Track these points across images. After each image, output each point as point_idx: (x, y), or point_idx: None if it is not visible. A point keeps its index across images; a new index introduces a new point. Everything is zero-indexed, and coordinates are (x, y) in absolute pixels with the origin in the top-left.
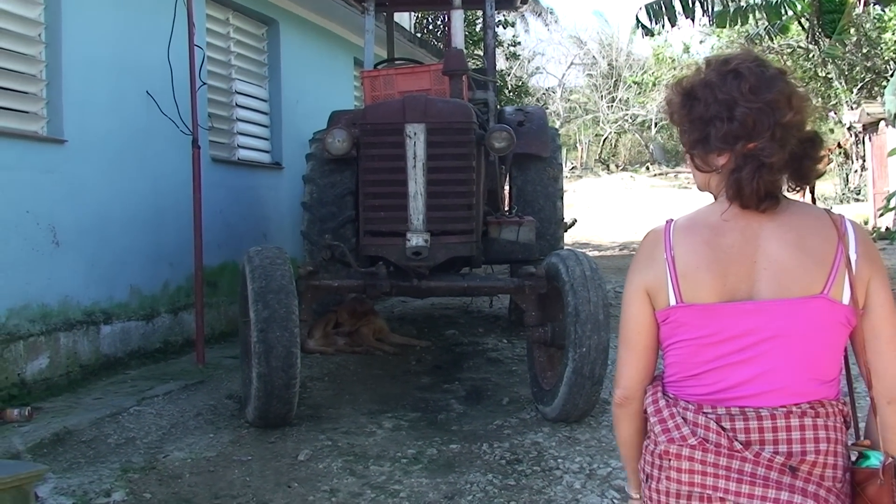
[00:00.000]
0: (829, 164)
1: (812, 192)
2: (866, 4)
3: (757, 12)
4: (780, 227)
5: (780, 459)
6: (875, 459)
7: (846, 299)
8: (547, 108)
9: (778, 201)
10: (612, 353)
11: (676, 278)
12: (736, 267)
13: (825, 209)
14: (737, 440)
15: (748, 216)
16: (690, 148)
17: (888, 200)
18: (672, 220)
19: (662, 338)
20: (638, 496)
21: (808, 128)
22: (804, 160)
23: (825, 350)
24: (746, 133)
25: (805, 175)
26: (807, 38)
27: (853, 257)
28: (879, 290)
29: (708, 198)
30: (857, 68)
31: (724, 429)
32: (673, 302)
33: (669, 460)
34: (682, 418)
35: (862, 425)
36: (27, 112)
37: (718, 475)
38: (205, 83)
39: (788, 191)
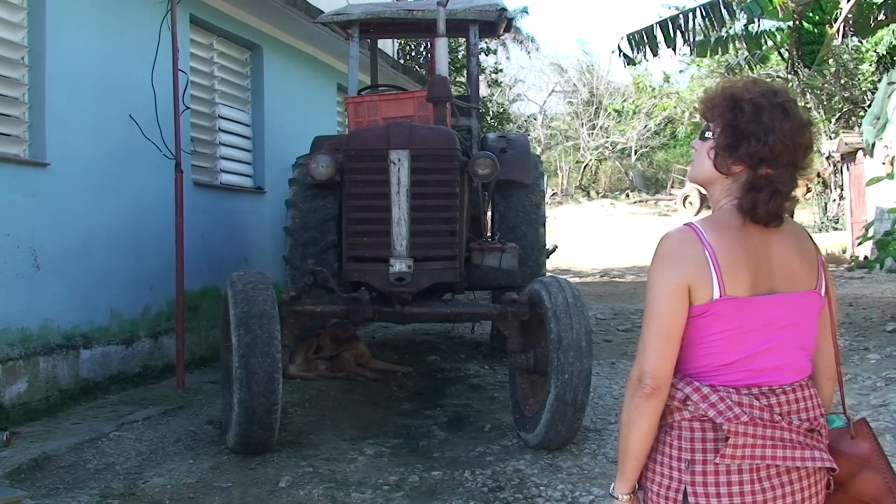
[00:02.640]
0: (808, 192)
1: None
2: (844, 36)
3: (737, 42)
4: (784, 234)
5: (805, 425)
6: (840, 421)
7: (823, 293)
8: (528, 135)
9: (783, 220)
10: (595, 380)
11: (721, 273)
12: (761, 264)
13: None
14: (775, 413)
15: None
16: (718, 147)
17: (866, 230)
18: (692, 223)
19: (693, 330)
20: (628, 497)
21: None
22: None
23: (813, 334)
24: (772, 159)
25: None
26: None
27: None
28: (831, 287)
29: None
30: (836, 98)
31: (763, 405)
32: (717, 295)
33: (727, 439)
34: (731, 401)
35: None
36: (9, 135)
37: (766, 445)
38: (188, 107)
39: None
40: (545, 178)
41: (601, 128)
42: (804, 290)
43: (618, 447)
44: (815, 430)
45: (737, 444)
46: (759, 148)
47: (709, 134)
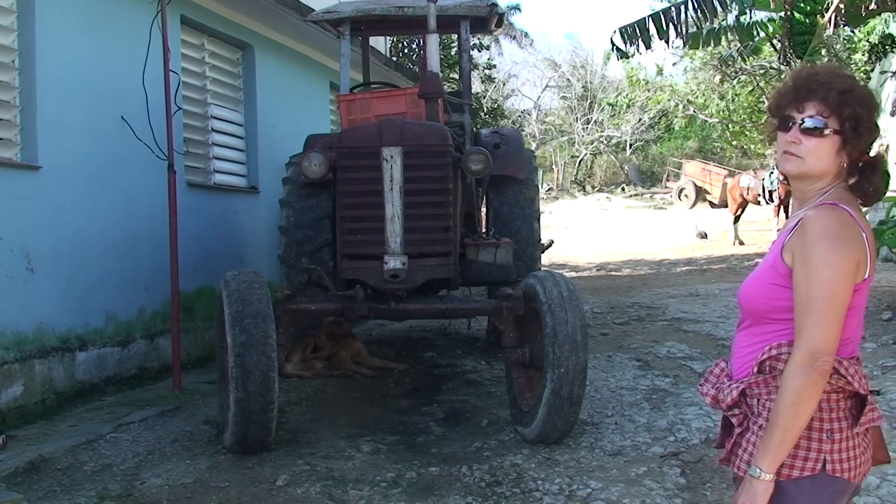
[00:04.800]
0: None
1: (786, 207)
2: (836, 26)
3: (729, 34)
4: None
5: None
6: None
7: None
8: (523, 131)
9: None
10: (591, 373)
11: (872, 255)
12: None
13: None
14: (867, 379)
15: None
16: (847, 141)
17: None
18: (836, 203)
19: None
20: (771, 477)
21: None
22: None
23: None
24: (873, 142)
25: None
26: (779, 59)
27: None
28: None
29: (666, 218)
30: None
31: (863, 374)
32: (866, 275)
33: (862, 407)
34: (855, 372)
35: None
36: (1, 139)
37: (874, 408)
38: (180, 108)
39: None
40: (539, 173)
41: (595, 122)
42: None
43: (775, 426)
44: (873, 393)
45: (868, 411)
46: (872, 136)
47: (828, 130)
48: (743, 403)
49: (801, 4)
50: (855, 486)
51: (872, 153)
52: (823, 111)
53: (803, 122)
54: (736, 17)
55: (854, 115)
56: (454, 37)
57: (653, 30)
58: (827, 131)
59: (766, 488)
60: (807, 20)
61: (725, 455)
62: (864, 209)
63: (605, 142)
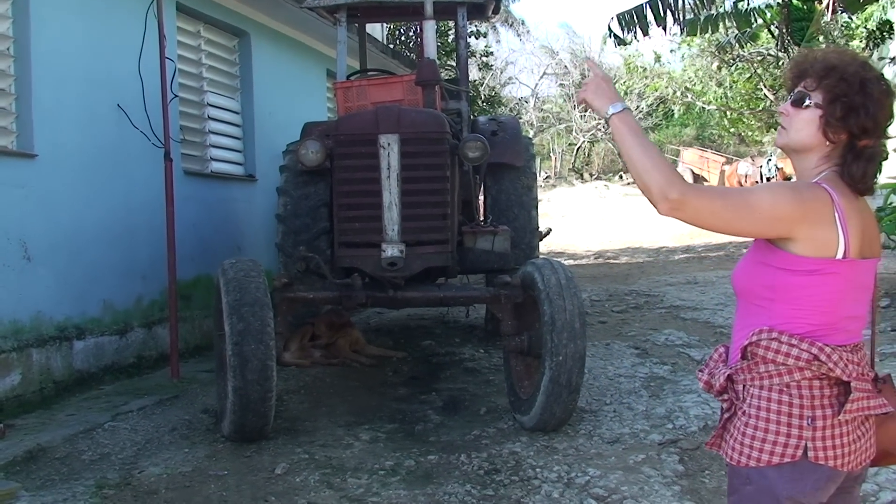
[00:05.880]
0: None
1: None
2: (834, 12)
3: (727, 20)
4: (864, 201)
5: (872, 375)
6: None
7: None
8: (520, 118)
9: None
10: (589, 361)
11: (847, 235)
12: (865, 230)
13: None
14: (864, 367)
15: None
16: (829, 116)
17: None
18: (819, 182)
19: (800, 286)
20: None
21: None
22: None
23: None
24: (873, 130)
25: None
26: (776, 45)
27: None
28: None
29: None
30: None
31: (857, 360)
32: (841, 255)
33: (848, 395)
34: (847, 360)
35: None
36: None
37: (868, 397)
38: (176, 96)
39: None
40: (537, 160)
41: None
42: (878, 256)
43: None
44: (877, 380)
45: (854, 399)
46: (866, 121)
47: (809, 101)
48: (731, 389)
49: None
50: (845, 474)
51: (866, 142)
52: (809, 84)
53: (792, 94)
54: (734, 3)
55: (831, 88)
56: (451, 24)
57: (650, 17)
58: (808, 102)
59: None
60: (804, 7)
61: (714, 440)
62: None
63: (603, 129)
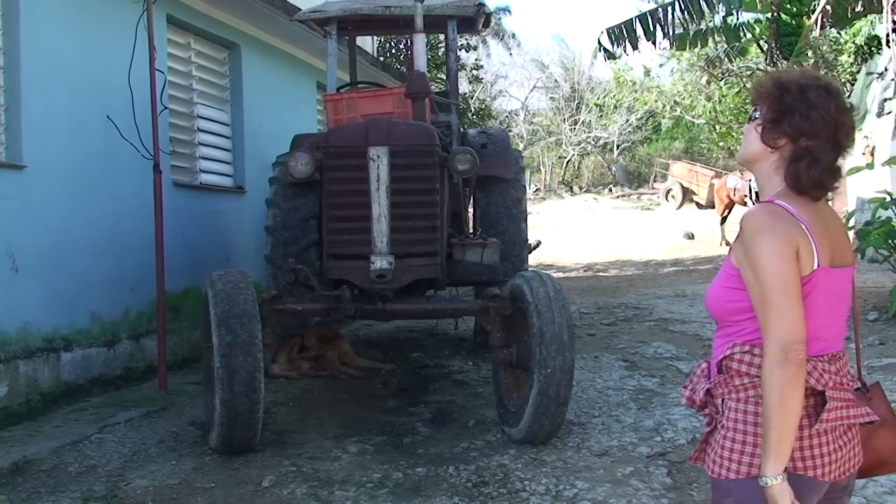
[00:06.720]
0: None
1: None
2: (822, 27)
3: (716, 35)
4: (830, 210)
5: (853, 385)
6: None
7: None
8: (510, 131)
9: (827, 192)
10: (578, 374)
11: (817, 244)
12: (832, 238)
13: None
14: (843, 377)
15: (816, 202)
16: (765, 121)
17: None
18: (771, 199)
19: None
20: (783, 476)
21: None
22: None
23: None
24: (812, 133)
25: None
26: (765, 60)
27: None
28: None
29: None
30: None
31: (835, 370)
32: (816, 266)
33: (824, 405)
34: (822, 369)
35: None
36: None
37: (847, 406)
38: (166, 107)
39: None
40: (527, 173)
41: (583, 123)
42: (851, 264)
43: (768, 428)
44: (859, 389)
45: (831, 409)
46: (801, 121)
47: (757, 114)
48: (710, 403)
49: (788, 6)
50: (829, 484)
51: (807, 144)
52: (761, 102)
53: None
54: (723, 18)
55: (776, 101)
56: (441, 37)
57: (640, 31)
58: (756, 114)
59: (782, 489)
60: (793, 21)
61: (697, 453)
62: (832, 203)
63: (593, 142)
